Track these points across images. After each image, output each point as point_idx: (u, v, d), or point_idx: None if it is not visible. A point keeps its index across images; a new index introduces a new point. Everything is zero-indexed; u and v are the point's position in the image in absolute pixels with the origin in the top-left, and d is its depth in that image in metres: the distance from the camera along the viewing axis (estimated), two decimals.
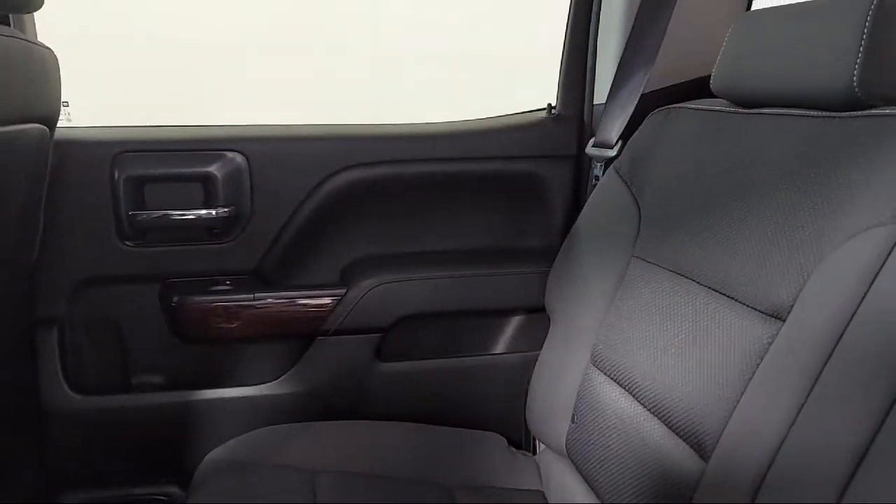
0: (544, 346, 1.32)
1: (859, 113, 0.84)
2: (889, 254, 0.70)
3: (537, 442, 1.36)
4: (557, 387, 1.23)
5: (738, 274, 0.91)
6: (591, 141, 1.38)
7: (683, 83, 1.28)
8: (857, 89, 0.82)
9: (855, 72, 0.81)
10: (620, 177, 1.25)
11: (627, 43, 1.31)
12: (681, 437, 0.92)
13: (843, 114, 0.86)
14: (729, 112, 1.08)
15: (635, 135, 1.26)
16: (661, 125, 1.22)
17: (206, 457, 1.24)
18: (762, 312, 0.84)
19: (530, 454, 1.37)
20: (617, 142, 1.31)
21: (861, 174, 0.79)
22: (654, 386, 0.98)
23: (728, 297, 0.92)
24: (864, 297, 0.71)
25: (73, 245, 1.29)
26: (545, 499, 1.26)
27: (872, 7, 0.80)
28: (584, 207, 1.34)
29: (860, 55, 0.81)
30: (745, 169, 0.98)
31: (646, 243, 1.14)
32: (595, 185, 1.34)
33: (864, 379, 0.68)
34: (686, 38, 1.27)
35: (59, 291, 1.30)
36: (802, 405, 0.73)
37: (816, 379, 0.72)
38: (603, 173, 1.33)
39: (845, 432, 0.68)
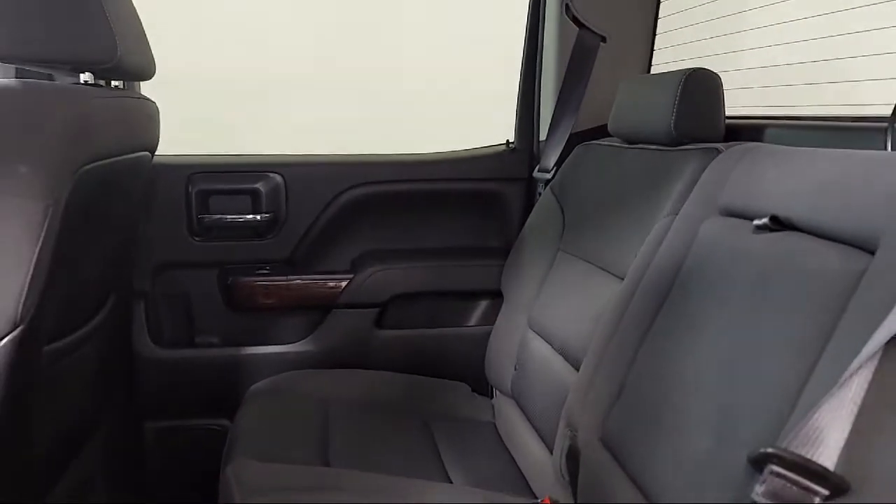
0: (498, 317, 1.69)
1: (675, 148, 1.24)
2: (667, 231, 1.08)
3: (494, 389, 1.70)
4: (505, 345, 1.59)
5: (608, 252, 1.31)
6: (537, 167, 1.73)
7: (598, 126, 1.62)
8: (673, 132, 1.22)
9: (672, 121, 1.21)
10: (553, 193, 1.64)
11: (559, 97, 1.67)
12: (573, 365, 1.27)
13: (668, 148, 1.26)
14: (620, 147, 1.47)
15: (565, 163, 1.64)
16: (582, 156, 1.61)
17: (250, 388, 1.63)
18: (617, 276, 1.23)
19: (488, 398, 1.74)
20: (553, 168, 1.66)
21: (663, 181, 1.18)
22: (565, 338, 1.32)
23: (605, 270, 1.30)
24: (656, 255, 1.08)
25: (158, 239, 1.68)
26: (496, 429, 1.62)
27: (681, 82, 1.21)
28: (530, 216, 1.72)
29: (674, 111, 1.21)
30: (624, 185, 1.38)
31: (567, 240, 1.52)
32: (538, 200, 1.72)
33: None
34: (600, 92, 1.61)
35: (146, 272, 1.68)
36: (647, 331, 1.06)
37: (653, 321, 1.05)
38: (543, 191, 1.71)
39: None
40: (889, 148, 0.91)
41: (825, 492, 0.61)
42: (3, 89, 0.99)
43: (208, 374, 1.72)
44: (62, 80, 1.24)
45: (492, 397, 1.73)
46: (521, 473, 1.41)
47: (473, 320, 1.84)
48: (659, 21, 1.68)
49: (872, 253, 0.69)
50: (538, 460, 1.34)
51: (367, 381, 1.68)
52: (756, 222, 0.85)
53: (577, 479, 1.09)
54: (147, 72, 1.29)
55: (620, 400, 1.01)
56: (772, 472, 0.62)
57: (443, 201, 1.83)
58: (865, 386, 0.62)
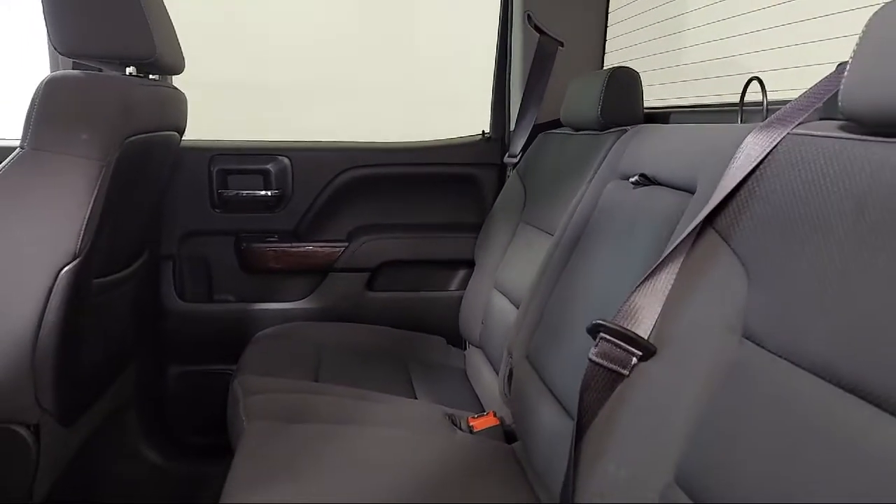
0: (470, 280, 1.95)
1: (603, 132, 1.49)
2: (584, 195, 1.33)
3: (467, 343, 1.94)
4: (475, 303, 1.84)
5: (553, 218, 1.55)
6: (507, 154, 1.99)
7: (556, 118, 1.82)
8: (601, 119, 1.47)
9: (598, 110, 1.46)
10: (518, 175, 1.89)
11: (524, 93, 1.90)
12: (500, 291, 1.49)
13: (598, 132, 1.51)
14: (570, 134, 1.72)
15: (529, 149, 1.89)
16: (542, 143, 1.86)
17: (256, 334, 1.89)
18: (548, 233, 1.48)
19: (462, 350, 1.99)
20: (519, 154, 1.91)
21: (592, 158, 1.43)
22: (519, 291, 1.53)
23: (547, 233, 1.55)
24: (574, 213, 1.34)
25: (183, 210, 1.94)
26: (465, 375, 1.87)
27: (606, 79, 1.46)
28: (499, 195, 1.98)
29: (600, 102, 1.46)
30: (568, 164, 1.62)
31: (527, 213, 1.76)
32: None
33: None
34: (559, 89, 1.80)
35: (174, 238, 1.95)
36: (562, 270, 1.33)
37: (567, 263, 1.33)
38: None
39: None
40: (740, 122, 1.15)
41: (639, 353, 0.86)
42: (69, 77, 1.27)
43: (223, 325, 1.98)
44: (110, 72, 1.51)
45: (465, 349, 1.97)
46: (479, 399, 1.65)
47: (451, 285, 2.08)
48: (609, 28, 1.93)
49: (693, 193, 0.94)
50: (489, 385, 1.59)
51: (357, 331, 1.93)
52: (631, 180, 1.10)
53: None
54: (178, 68, 1.56)
55: (541, 324, 1.26)
56: (602, 339, 0.87)
57: (427, 183, 2.08)
58: (673, 278, 0.87)
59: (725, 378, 0.75)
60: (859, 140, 0.69)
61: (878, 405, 0.56)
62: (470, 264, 1.99)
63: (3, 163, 1.21)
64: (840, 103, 0.69)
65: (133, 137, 1.30)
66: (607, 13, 1.93)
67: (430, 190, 2.09)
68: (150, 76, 1.52)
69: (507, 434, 1.39)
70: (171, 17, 1.49)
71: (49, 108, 1.21)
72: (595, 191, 1.28)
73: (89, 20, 1.34)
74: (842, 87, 0.69)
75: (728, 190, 0.82)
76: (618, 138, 1.35)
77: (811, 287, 0.67)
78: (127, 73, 1.41)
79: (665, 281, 0.87)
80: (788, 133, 0.80)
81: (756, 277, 0.76)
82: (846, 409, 0.58)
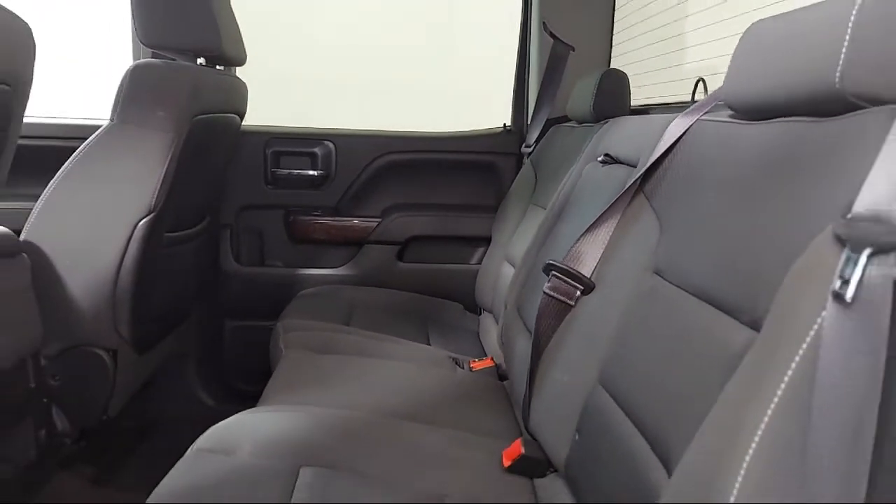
0: (485, 256, 2.16)
1: (597, 124, 1.68)
2: (571, 175, 1.54)
3: (481, 310, 2.15)
4: (489, 273, 2.05)
5: (551, 198, 1.75)
6: (523, 144, 2.21)
7: (565, 114, 2.04)
8: (593, 112, 1.66)
9: (591, 105, 1.66)
10: (531, 163, 2.10)
11: (539, 90, 2.11)
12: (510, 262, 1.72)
13: (592, 124, 1.70)
14: (574, 126, 1.90)
15: (542, 140, 2.11)
16: (553, 134, 2.06)
17: (298, 293, 2.14)
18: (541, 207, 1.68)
19: (477, 316, 2.20)
20: (533, 144, 2.12)
21: (584, 145, 1.64)
22: (518, 252, 1.77)
23: (545, 209, 1.75)
24: (562, 191, 1.55)
25: (241, 186, 2.20)
26: (479, 338, 2.08)
27: (598, 79, 1.65)
28: (514, 181, 2.18)
29: (593, 98, 1.65)
30: (569, 151, 1.81)
31: (536, 196, 1.97)
32: None
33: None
34: (570, 88, 1.99)
35: (232, 210, 2.20)
36: (547, 235, 1.55)
37: (551, 230, 1.54)
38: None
39: None
40: None
41: (581, 287, 1.07)
42: (150, 65, 1.53)
43: (273, 287, 2.22)
44: (183, 62, 1.78)
45: (479, 315, 2.19)
46: (485, 352, 1.87)
47: (471, 259, 2.29)
48: (615, 34, 2.13)
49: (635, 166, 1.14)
50: (494, 340, 1.80)
51: (385, 295, 2.16)
52: (598, 159, 1.31)
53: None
54: (240, 60, 1.82)
55: (528, 279, 1.47)
56: (553, 276, 1.08)
57: (452, 168, 2.30)
58: (611, 231, 1.08)
59: (637, 304, 0.95)
60: (735, 123, 0.89)
61: (729, 313, 0.74)
62: (487, 241, 2.20)
63: (95, 133, 1.48)
64: (724, 97, 0.89)
65: (200, 116, 1.56)
66: (613, 21, 2.13)
67: (455, 174, 2.30)
68: (217, 67, 1.78)
69: (502, 376, 1.60)
70: (239, 21, 1.75)
71: (133, 89, 1.48)
72: (577, 172, 1.48)
73: (168, 18, 1.60)
74: (724, 85, 0.89)
75: (651, 161, 1.02)
76: (602, 128, 1.55)
77: (698, 230, 0.88)
78: (197, 62, 1.67)
79: (605, 233, 1.07)
80: (698, 119, 0.99)
81: (665, 227, 0.96)
82: (710, 319, 0.76)
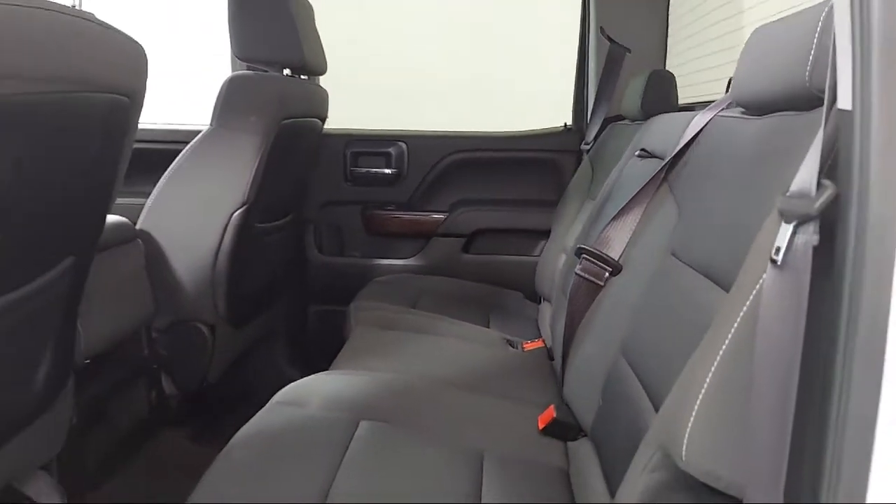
0: (545, 247, 2.28)
1: (646, 121, 1.77)
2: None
3: (541, 299, 2.25)
4: (548, 263, 2.16)
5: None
6: (583, 142, 2.31)
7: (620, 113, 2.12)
8: (642, 111, 1.75)
9: (639, 104, 1.75)
10: (589, 160, 2.20)
11: (597, 91, 2.21)
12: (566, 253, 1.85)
13: (642, 121, 1.79)
14: (627, 124, 2.00)
15: (599, 138, 2.21)
16: (609, 132, 2.15)
17: (371, 280, 2.31)
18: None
19: (536, 304, 2.32)
20: (592, 142, 2.23)
21: (633, 141, 1.74)
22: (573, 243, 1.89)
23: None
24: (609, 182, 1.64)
25: (323, 184, 2.40)
26: (538, 326, 2.19)
27: (647, 79, 1.75)
28: (573, 177, 2.29)
29: (642, 97, 1.75)
30: (622, 148, 1.91)
31: (592, 190, 2.08)
32: None
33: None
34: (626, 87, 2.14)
35: (315, 206, 2.40)
36: (594, 222, 1.65)
37: (597, 216, 1.65)
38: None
39: None
40: None
41: (610, 268, 1.18)
42: (244, 76, 1.75)
43: (350, 275, 2.40)
44: (272, 73, 1.99)
45: (539, 304, 2.30)
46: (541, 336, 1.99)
47: (533, 251, 2.40)
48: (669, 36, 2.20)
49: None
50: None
51: (450, 283, 2.30)
52: (636, 153, 1.41)
53: None
54: (321, 70, 2.01)
55: (571, 265, 1.58)
56: (584, 258, 1.20)
57: (516, 165, 2.43)
58: (638, 217, 1.19)
59: (655, 282, 1.06)
60: (742, 118, 0.99)
61: (725, 289, 0.83)
62: (547, 234, 2.31)
63: (197, 137, 1.70)
64: (733, 95, 0.99)
65: (287, 121, 1.76)
66: (667, 23, 2.20)
67: (518, 171, 2.43)
68: (301, 76, 1.98)
69: (552, 356, 1.72)
70: (322, 36, 1.93)
71: (230, 98, 1.68)
72: (621, 166, 1.59)
73: (258, 35, 1.80)
74: (733, 84, 0.99)
75: (673, 154, 1.13)
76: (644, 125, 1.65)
77: (706, 215, 0.98)
78: (284, 73, 1.87)
79: (632, 219, 1.19)
80: (716, 115, 1.09)
81: (683, 212, 1.07)
82: (707, 290, 0.87)
